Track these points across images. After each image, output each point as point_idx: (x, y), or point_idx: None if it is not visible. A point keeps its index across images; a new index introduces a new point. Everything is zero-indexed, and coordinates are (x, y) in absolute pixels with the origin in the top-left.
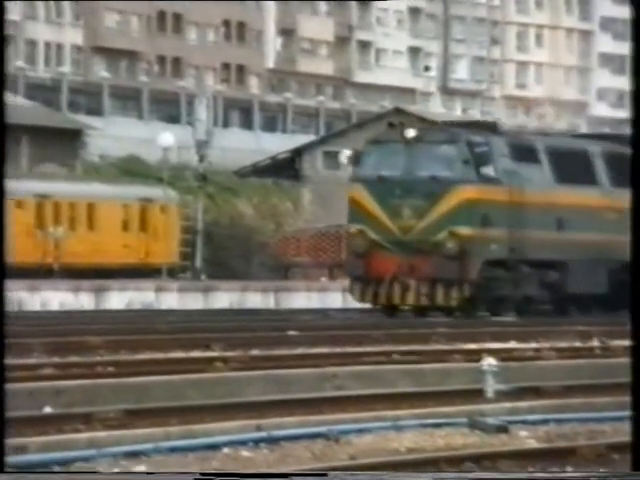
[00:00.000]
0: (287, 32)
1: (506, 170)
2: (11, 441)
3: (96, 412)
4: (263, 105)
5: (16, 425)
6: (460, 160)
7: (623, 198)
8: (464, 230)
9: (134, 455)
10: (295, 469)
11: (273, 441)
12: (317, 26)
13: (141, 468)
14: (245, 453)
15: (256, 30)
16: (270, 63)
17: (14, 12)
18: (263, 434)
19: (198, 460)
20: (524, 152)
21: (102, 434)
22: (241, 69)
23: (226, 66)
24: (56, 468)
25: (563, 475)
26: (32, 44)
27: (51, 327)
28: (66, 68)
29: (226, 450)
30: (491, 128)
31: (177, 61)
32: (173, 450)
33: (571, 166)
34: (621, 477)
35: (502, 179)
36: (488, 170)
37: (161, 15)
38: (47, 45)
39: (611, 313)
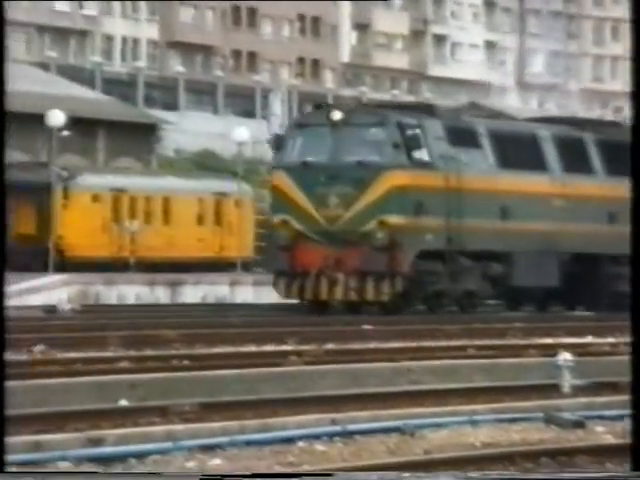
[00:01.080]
0: (362, 26)
1: (442, 154)
2: (89, 433)
3: (172, 405)
4: (338, 99)
5: (92, 417)
6: (390, 144)
7: (574, 184)
8: (394, 219)
9: (210, 448)
10: (370, 462)
11: (348, 435)
12: (392, 20)
13: (217, 461)
14: (320, 447)
15: (331, 25)
16: (345, 57)
17: (91, 7)
18: (338, 428)
19: (273, 454)
20: (463, 136)
21: (178, 427)
22: (316, 63)
23: (301, 60)
24: (132, 460)
25: (563, 475)
26: (109, 39)
27: (127, 320)
28: (142, 63)
29: (301, 444)
30: (427, 110)
31: (252, 55)
32: (249, 443)
33: (517, 151)
34: (621, 477)
35: (437, 164)
36: (421, 154)
37: (236, 9)
38: (124, 40)
39: (566, 307)
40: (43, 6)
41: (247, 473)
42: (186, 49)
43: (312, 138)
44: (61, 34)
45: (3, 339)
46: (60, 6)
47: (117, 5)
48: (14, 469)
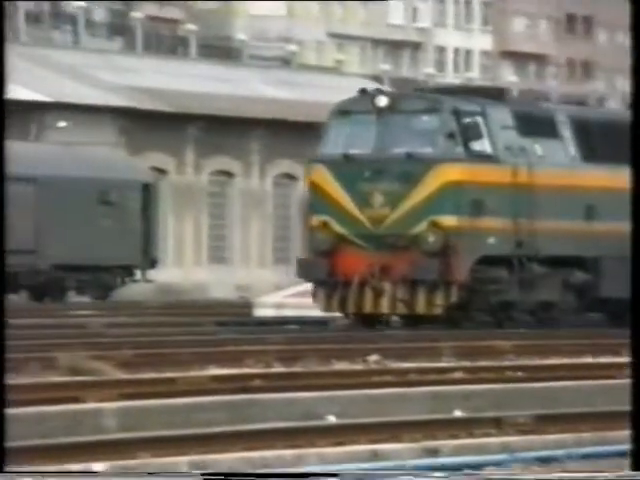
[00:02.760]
0: None
1: (509, 146)
2: (425, 444)
3: (506, 417)
4: None
5: (427, 428)
6: (443, 133)
7: None
8: (448, 220)
9: (545, 461)
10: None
11: None
12: None
13: (555, 475)
14: None
15: None
16: None
17: (425, 20)
18: None
19: (612, 466)
20: (538, 124)
21: (513, 439)
22: None
23: None
24: (467, 470)
25: (563, 475)
26: (441, 50)
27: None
28: (474, 73)
29: None
30: (496, 95)
31: (586, 64)
32: (585, 457)
33: (605, 142)
34: (621, 477)
35: (503, 156)
36: (483, 145)
37: (570, 18)
38: (456, 51)
39: None
40: (378, 20)
41: (248, 472)
42: (519, 59)
43: (355, 127)
44: (395, 47)
45: (3, 339)
46: (394, 19)
47: (450, 16)
48: (14, 469)
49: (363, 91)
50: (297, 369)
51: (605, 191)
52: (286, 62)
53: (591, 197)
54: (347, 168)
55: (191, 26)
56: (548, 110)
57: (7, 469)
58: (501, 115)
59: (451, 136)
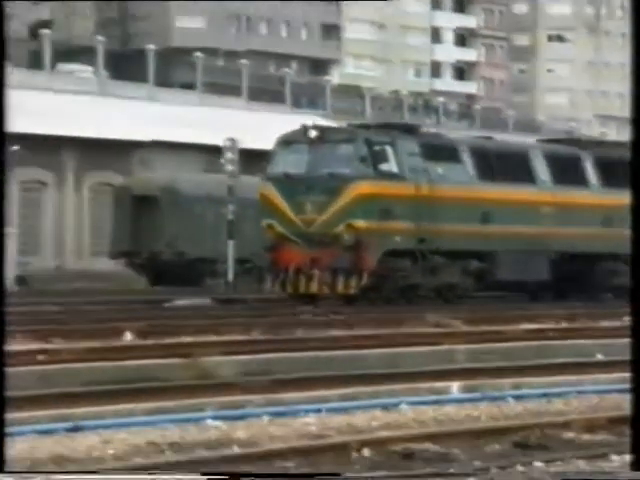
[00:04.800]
0: None
1: (414, 168)
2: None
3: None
4: None
5: None
6: (357, 158)
7: (562, 193)
8: (360, 223)
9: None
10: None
11: None
12: None
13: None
14: None
15: None
16: None
17: None
18: None
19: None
20: (441, 151)
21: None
22: None
23: None
24: None
25: (564, 475)
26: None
27: None
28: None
29: None
30: (409, 130)
31: None
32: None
33: (500, 165)
34: (621, 477)
35: (407, 175)
36: (390, 167)
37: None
38: None
39: (560, 300)
40: None
41: (249, 472)
42: None
43: (293, 153)
44: None
45: (3, 338)
46: None
47: None
48: (15, 469)
49: (302, 126)
50: None
51: (499, 202)
52: None
53: (486, 206)
54: (287, 184)
55: None
56: (451, 141)
57: (7, 469)
58: (408, 144)
59: (363, 160)
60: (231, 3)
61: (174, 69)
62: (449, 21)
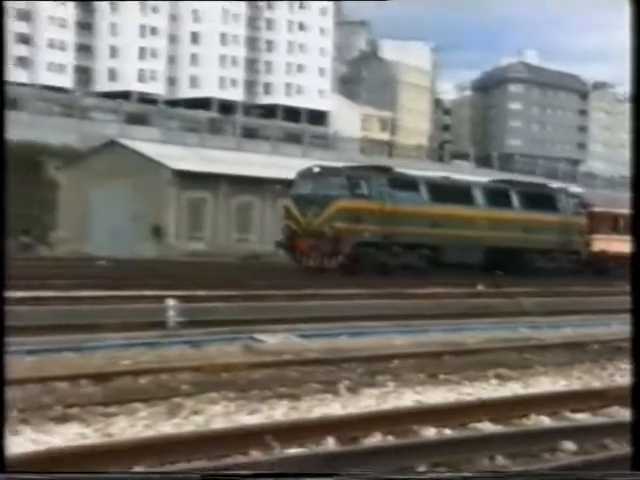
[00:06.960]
0: None
1: (381, 193)
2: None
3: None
4: None
5: None
6: (340, 186)
7: (492, 211)
8: (339, 224)
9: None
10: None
11: None
12: None
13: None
14: None
15: None
16: None
17: None
18: None
19: None
20: (404, 184)
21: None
22: None
23: None
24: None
25: (564, 475)
26: None
27: None
28: None
29: None
30: (382, 169)
31: None
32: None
33: (447, 193)
34: (621, 477)
35: (374, 197)
36: (362, 191)
37: None
38: None
39: (484, 273)
40: None
41: (248, 473)
42: None
43: (304, 182)
44: None
45: (3, 343)
46: None
47: None
48: (15, 469)
49: (309, 167)
50: None
51: (444, 215)
52: None
53: (435, 218)
54: (299, 200)
55: None
56: (413, 176)
57: (8, 469)
58: (379, 179)
59: (343, 187)
60: None
61: None
62: None
